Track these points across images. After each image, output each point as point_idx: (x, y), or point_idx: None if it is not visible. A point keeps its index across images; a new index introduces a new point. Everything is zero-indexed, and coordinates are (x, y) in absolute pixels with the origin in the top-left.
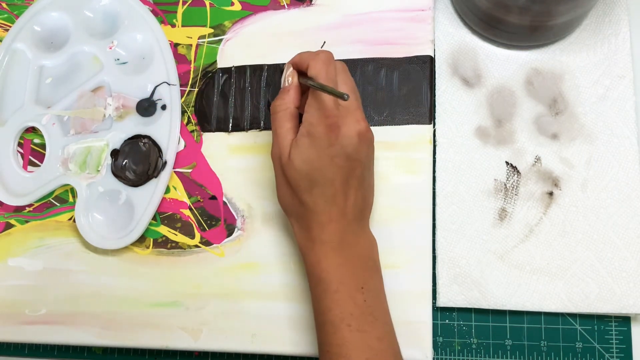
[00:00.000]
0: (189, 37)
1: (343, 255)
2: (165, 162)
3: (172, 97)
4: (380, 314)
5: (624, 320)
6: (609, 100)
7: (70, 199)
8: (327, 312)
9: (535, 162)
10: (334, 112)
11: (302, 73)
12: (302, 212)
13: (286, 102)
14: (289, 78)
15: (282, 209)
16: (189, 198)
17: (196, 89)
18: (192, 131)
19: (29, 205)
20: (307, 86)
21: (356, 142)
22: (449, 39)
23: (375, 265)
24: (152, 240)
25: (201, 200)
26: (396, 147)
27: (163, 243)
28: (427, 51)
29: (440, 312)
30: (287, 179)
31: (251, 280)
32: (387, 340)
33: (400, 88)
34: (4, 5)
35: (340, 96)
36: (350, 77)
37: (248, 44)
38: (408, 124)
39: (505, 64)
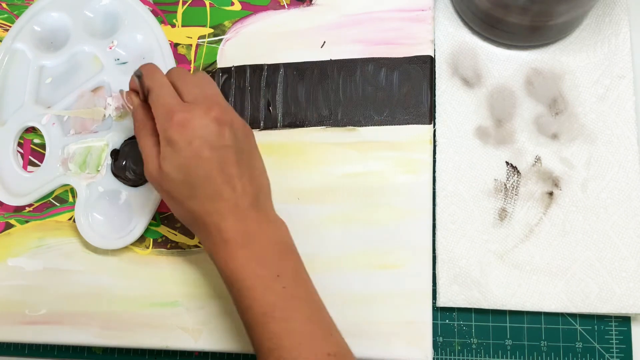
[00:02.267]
0: (189, 37)
1: (250, 248)
2: None
3: None
4: (303, 294)
5: (624, 320)
6: (609, 100)
7: (70, 199)
8: (248, 311)
9: (535, 162)
10: (179, 109)
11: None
12: (196, 219)
13: (141, 121)
14: (128, 102)
15: (182, 222)
16: None
17: None
18: None
19: (29, 205)
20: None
21: (214, 128)
22: (449, 39)
23: (288, 247)
24: (151, 240)
25: None
26: (396, 147)
27: (163, 243)
28: (427, 51)
29: (440, 312)
30: (168, 192)
31: None
32: (316, 319)
33: (400, 88)
34: (4, 5)
35: (136, 74)
36: (194, 75)
37: (248, 44)
38: (408, 124)
39: (505, 64)
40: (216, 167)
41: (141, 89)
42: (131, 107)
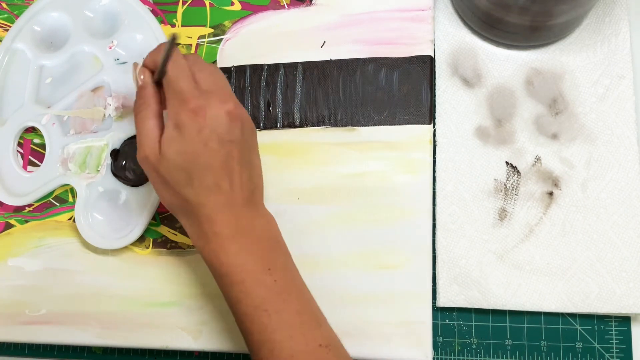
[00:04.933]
0: (189, 37)
1: (241, 242)
2: None
3: None
4: (293, 288)
5: (624, 320)
6: (609, 100)
7: (70, 199)
8: (238, 304)
9: (535, 162)
10: (195, 95)
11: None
12: (188, 208)
13: (146, 101)
14: (140, 76)
15: (171, 211)
16: None
17: None
18: None
19: (29, 205)
20: (161, 83)
21: (226, 121)
22: (449, 39)
23: (278, 243)
24: (151, 240)
25: None
26: (396, 147)
27: (163, 243)
28: (427, 51)
29: (440, 312)
30: (163, 178)
31: None
32: (306, 311)
33: (400, 88)
34: (4, 5)
35: (172, 38)
36: (209, 64)
37: (248, 44)
38: (408, 124)
39: (505, 64)
40: (220, 160)
41: (162, 69)
42: (139, 82)
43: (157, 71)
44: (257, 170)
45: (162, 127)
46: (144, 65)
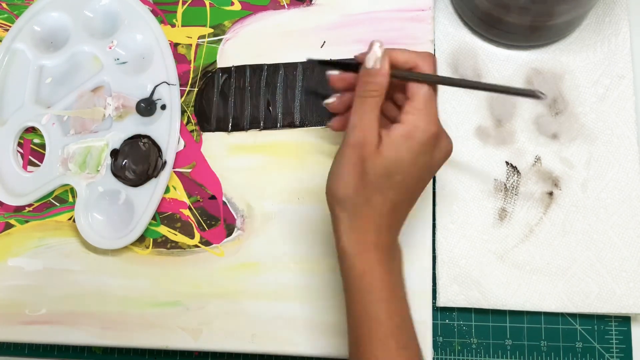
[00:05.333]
0: (188, 37)
1: (391, 264)
2: (165, 162)
3: (171, 97)
4: (411, 325)
5: (624, 320)
6: (609, 100)
7: (70, 199)
8: (374, 323)
9: (535, 162)
10: (439, 123)
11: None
12: (364, 210)
13: (380, 89)
14: (382, 61)
15: (331, 200)
16: (189, 198)
17: (196, 89)
18: (192, 131)
19: (29, 205)
20: (396, 78)
21: (444, 158)
22: (449, 39)
23: (403, 278)
24: (151, 240)
25: (201, 200)
26: None
27: (163, 243)
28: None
29: (440, 312)
30: (364, 171)
31: (251, 280)
32: (415, 350)
33: None
34: (4, 5)
35: (535, 95)
36: None
37: (248, 44)
38: None
39: (505, 64)
40: (418, 187)
41: (428, 81)
42: (377, 65)
43: (421, 77)
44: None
45: (380, 122)
46: (390, 54)
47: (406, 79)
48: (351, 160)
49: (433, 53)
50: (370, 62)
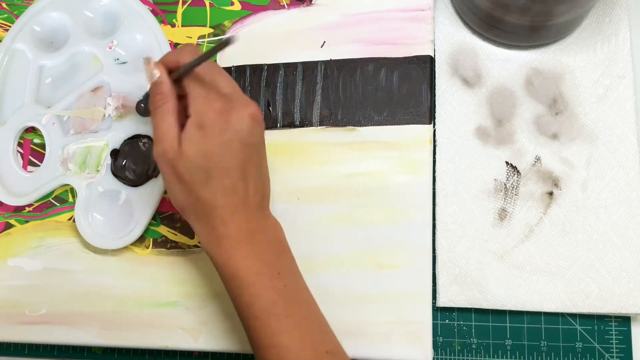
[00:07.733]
0: (188, 37)
1: (252, 245)
2: None
3: None
4: (301, 294)
5: (624, 320)
6: (609, 100)
7: (70, 199)
8: (249, 307)
9: (535, 162)
10: (220, 96)
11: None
12: (201, 208)
13: (165, 96)
14: (155, 72)
15: (179, 212)
16: None
17: None
18: None
19: (29, 205)
20: (178, 81)
21: (249, 124)
22: (449, 39)
23: (285, 247)
24: (151, 240)
25: None
26: (396, 147)
27: (163, 243)
28: (427, 51)
29: (440, 312)
30: (179, 176)
31: None
32: (314, 318)
33: (400, 88)
34: (4, 5)
35: (226, 42)
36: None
37: (248, 44)
38: (408, 123)
39: (505, 64)
40: (239, 163)
41: (190, 68)
42: (154, 77)
43: (183, 68)
44: (267, 176)
45: (179, 125)
46: (161, 62)
47: (179, 76)
48: (167, 172)
49: (224, 43)
50: (147, 78)
